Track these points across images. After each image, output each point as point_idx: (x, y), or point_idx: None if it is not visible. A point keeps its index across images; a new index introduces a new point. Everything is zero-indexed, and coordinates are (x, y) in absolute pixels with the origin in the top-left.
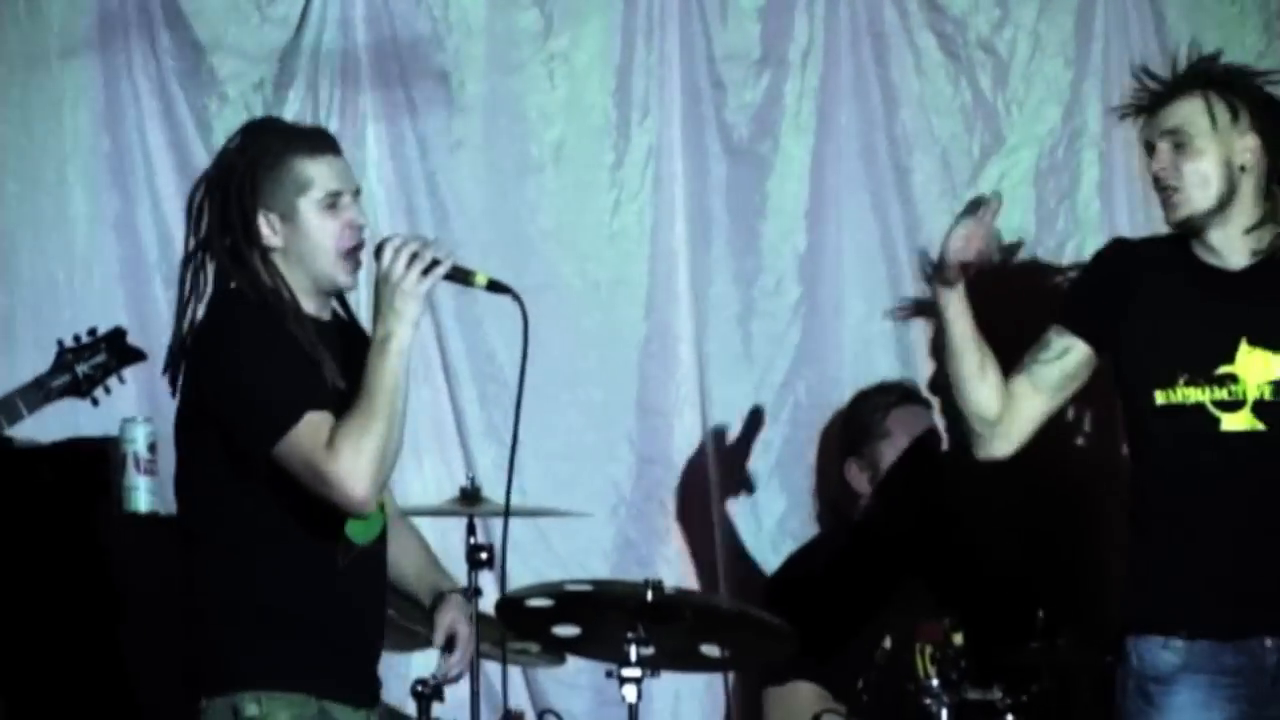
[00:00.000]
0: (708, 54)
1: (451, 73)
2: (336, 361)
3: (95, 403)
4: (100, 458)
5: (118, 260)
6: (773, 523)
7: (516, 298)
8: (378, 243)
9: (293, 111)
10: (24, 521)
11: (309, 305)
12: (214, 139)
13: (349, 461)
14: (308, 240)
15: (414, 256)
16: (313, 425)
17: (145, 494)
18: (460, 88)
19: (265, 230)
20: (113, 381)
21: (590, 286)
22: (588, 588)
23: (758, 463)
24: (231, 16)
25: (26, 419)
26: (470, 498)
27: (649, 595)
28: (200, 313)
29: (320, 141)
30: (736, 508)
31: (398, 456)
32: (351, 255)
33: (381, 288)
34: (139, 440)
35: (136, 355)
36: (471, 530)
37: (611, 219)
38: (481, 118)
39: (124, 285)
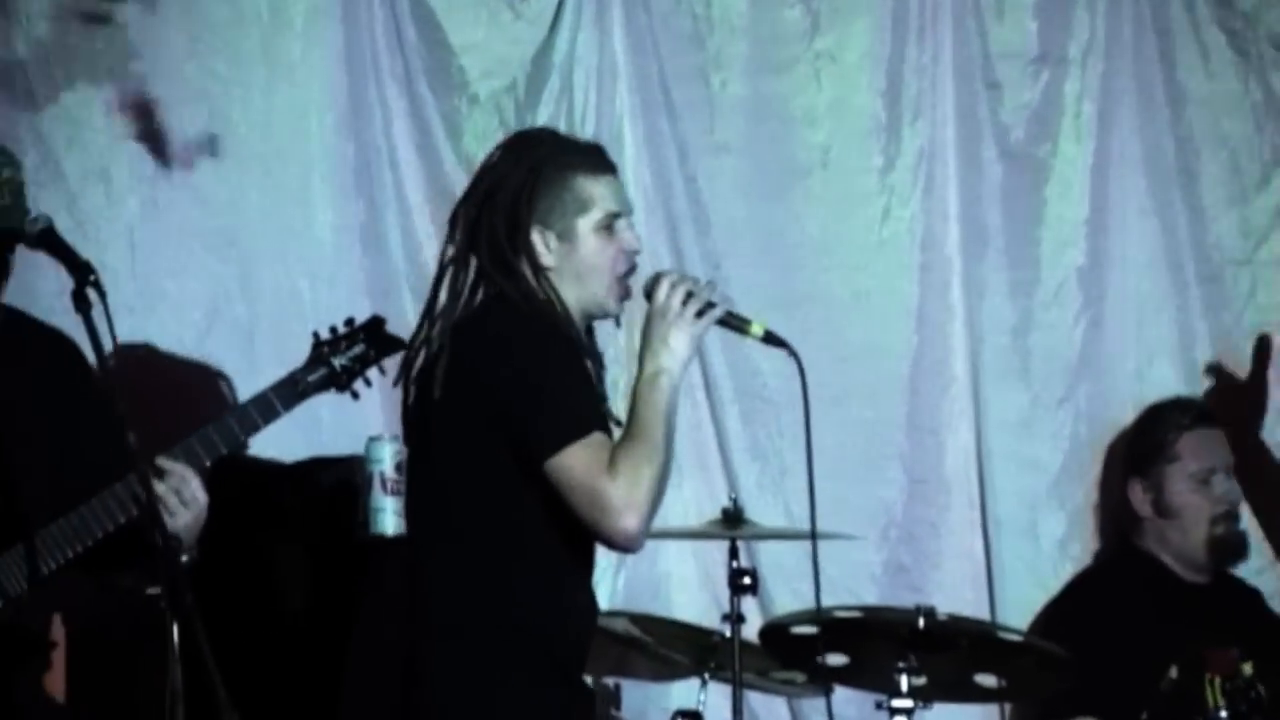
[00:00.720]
0: (983, 52)
1: (713, 73)
2: None
3: (356, 396)
4: (345, 478)
5: (363, 271)
6: (1052, 544)
7: (793, 353)
8: (651, 276)
9: (547, 113)
10: (266, 545)
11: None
12: (464, 144)
13: (627, 489)
14: (584, 263)
15: (689, 295)
16: (597, 444)
17: (392, 515)
18: (722, 89)
19: (540, 248)
20: (346, 395)
21: (858, 298)
22: (857, 614)
23: (1036, 481)
24: (482, 15)
25: (282, 416)
26: (733, 520)
27: (921, 622)
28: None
29: (601, 160)
30: (1014, 529)
31: (663, 496)
32: (624, 280)
33: (655, 322)
34: (385, 460)
35: (397, 344)
36: (734, 554)
37: (880, 226)
38: (744, 120)
39: (370, 297)
